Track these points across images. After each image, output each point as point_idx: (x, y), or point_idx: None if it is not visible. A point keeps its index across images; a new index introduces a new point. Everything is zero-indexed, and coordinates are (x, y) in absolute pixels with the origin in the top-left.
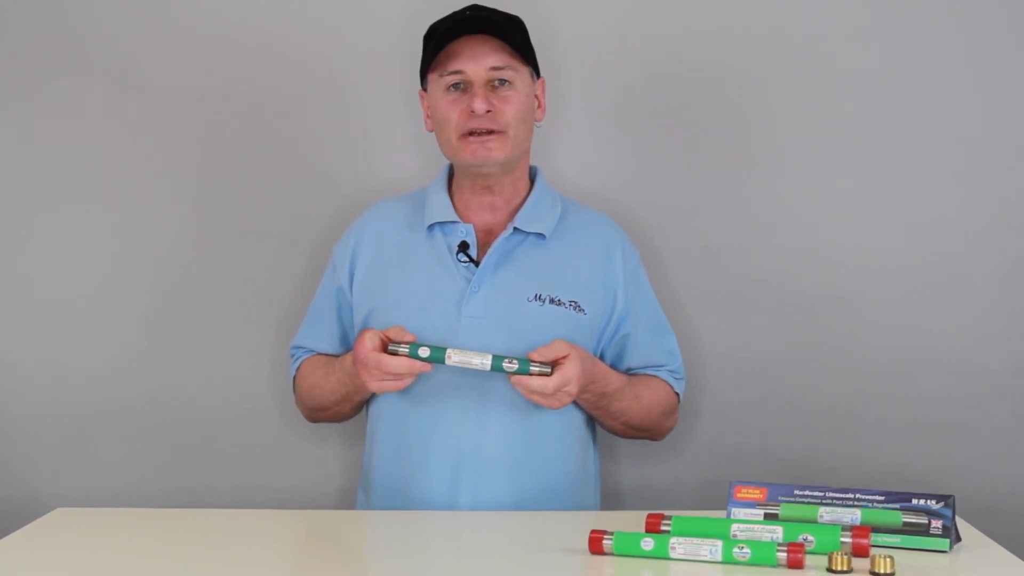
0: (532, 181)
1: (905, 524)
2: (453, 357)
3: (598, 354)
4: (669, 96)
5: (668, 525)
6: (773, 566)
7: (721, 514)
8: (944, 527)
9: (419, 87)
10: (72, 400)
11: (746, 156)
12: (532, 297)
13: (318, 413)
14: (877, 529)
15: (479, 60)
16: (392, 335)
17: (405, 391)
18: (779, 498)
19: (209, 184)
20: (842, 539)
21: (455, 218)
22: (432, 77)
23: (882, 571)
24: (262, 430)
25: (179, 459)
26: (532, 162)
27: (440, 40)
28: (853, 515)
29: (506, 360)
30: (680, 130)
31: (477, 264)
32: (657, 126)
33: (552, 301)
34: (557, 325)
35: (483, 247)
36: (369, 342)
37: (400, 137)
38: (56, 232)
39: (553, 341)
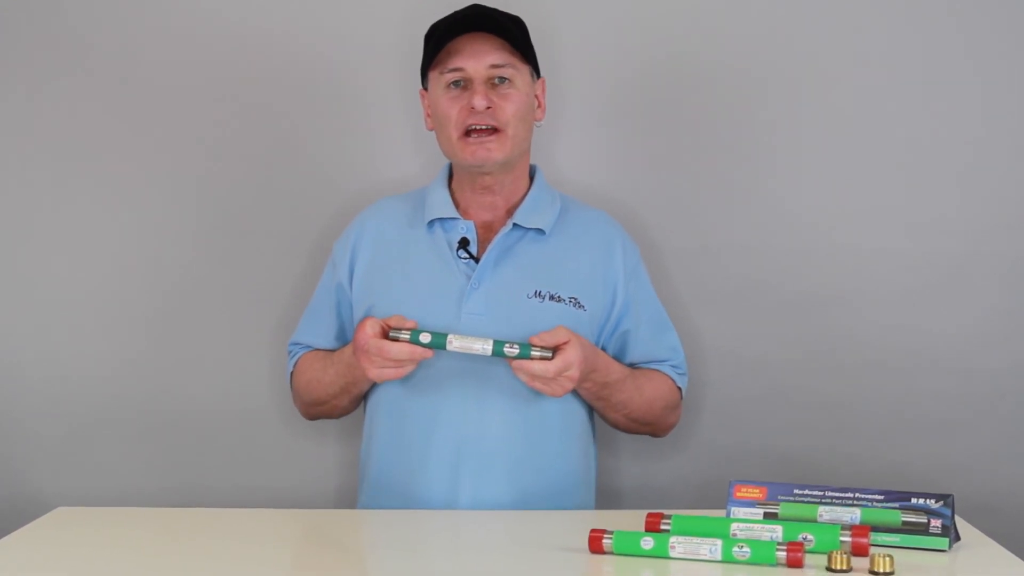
0: (532, 180)
1: (904, 523)
2: (454, 343)
3: None
4: (669, 96)
5: (668, 524)
6: (773, 565)
7: (721, 513)
8: (943, 526)
9: (419, 87)
10: (72, 399)
11: (746, 156)
12: (532, 294)
13: (316, 408)
14: (876, 528)
15: (479, 58)
16: (393, 323)
17: (404, 380)
18: (779, 497)
19: (209, 184)
20: (841, 538)
21: (455, 214)
22: (432, 75)
23: (881, 570)
24: (262, 429)
25: (179, 458)
26: (532, 161)
27: (441, 38)
28: (852, 514)
29: (507, 345)
30: (680, 130)
31: (477, 260)
32: (657, 126)
33: (552, 297)
34: (557, 321)
35: (483, 244)
36: (370, 329)
37: (400, 136)
38: (56, 232)
39: (555, 327)
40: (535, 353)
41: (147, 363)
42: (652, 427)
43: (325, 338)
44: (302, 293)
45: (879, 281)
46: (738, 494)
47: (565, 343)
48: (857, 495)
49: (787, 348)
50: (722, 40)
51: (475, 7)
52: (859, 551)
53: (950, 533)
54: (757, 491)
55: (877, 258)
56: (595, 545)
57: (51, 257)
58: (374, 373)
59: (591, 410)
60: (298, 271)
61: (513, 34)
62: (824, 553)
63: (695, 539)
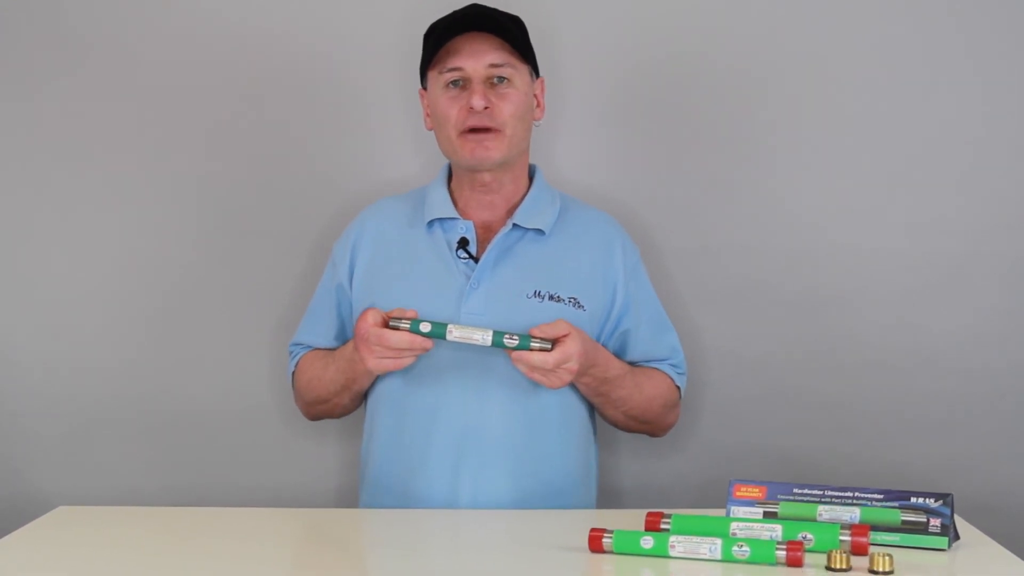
0: (531, 179)
1: (904, 522)
2: (454, 332)
3: None
4: (669, 96)
5: (668, 523)
6: (772, 564)
7: (721, 512)
8: (943, 525)
9: (419, 86)
10: (73, 399)
11: (746, 156)
12: (531, 293)
13: (317, 407)
14: (876, 527)
15: (478, 57)
16: (393, 314)
17: (405, 372)
18: (778, 496)
19: (209, 184)
20: (841, 537)
21: (455, 214)
22: (432, 74)
23: (881, 569)
24: (262, 429)
25: (180, 458)
26: (532, 161)
27: (440, 37)
28: (852, 513)
29: (507, 335)
30: (680, 130)
31: (477, 260)
32: (657, 126)
33: (551, 297)
34: None
35: (482, 244)
36: (371, 318)
37: (400, 136)
38: (56, 231)
39: (556, 320)
40: (534, 344)
41: (148, 362)
42: (651, 426)
43: (326, 338)
44: (302, 293)
45: (879, 281)
46: (738, 493)
47: (565, 335)
48: (857, 494)
49: (787, 348)
50: (722, 40)
51: (474, 7)
52: (858, 550)
53: (949, 532)
54: (757, 490)
55: (877, 258)
56: (595, 544)
57: (51, 257)
58: (373, 363)
59: (591, 408)
60: (298, 271)
61: (512, 34)
62: (824, 552)
63: (695, 538)
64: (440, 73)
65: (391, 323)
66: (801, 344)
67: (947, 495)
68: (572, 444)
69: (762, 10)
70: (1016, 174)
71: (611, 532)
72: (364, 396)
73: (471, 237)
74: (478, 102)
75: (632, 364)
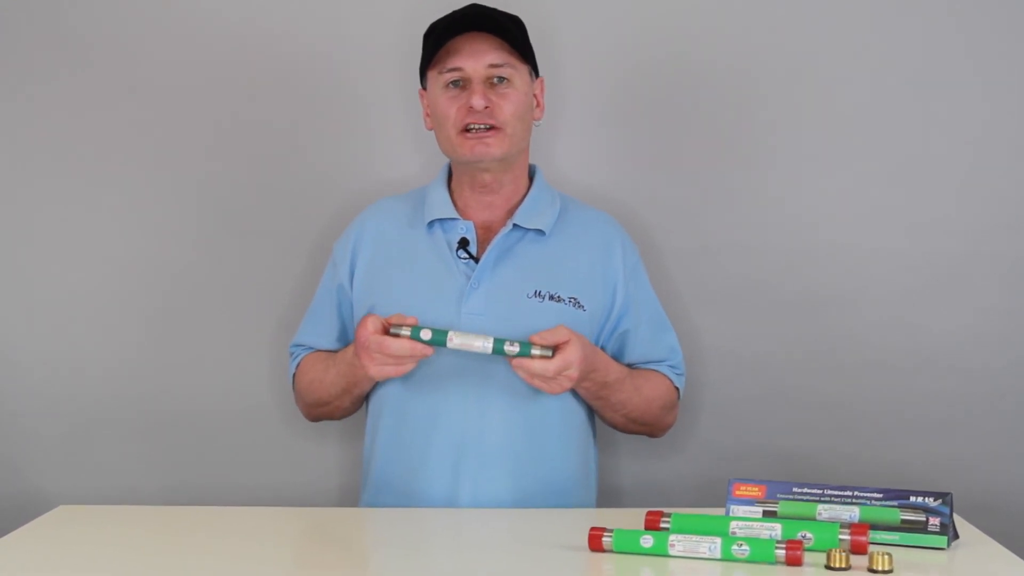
0: (531, 180)
1: (903, 521)
2: (455, 340)
3: None
4: (669, 96)
5: (667, 522)
6: (772, 563)
7: (720, 511)
8: (942, 524)
9: (419, 86)
10: (74, 398)
11: (746, 156)
12: (532, 293)
13: (318, 409)
14: (875, 526)
15: (478, 57)
16: (394, 321)
17: (405, 378)
18: (778, 495)
19: (209, 183)
20: (840, 536)
21: (455, 215)
22: (431, 74)
23: (880, 568)
24: (263, 428)
25: (180, 457)
26: (532, 161)
27: (439, 37)
28: (851, 512)
29: (507, 343)
30: (680, 130)
31: (477, 261)
32: (657, 126)
33: (552, 297)
34: (556, 321)
35: (483, 244)
36: (371, 325)
37: (400, 136)
38: (57, 231)
39: (556, 326)
40: (535, 352)
41: (148, 362)
42: (650, 427)
43: (327, 339)
44: (302, 293)
45: (879, 281)
46: (737, 492)
47: (565, 342)
48: (856, 493)
49: (787, 348)
50: (722, 40)
51: (474, 7)
52: (858, 549)
53: (948, 531)
54: (756, 489)
55: (877, 258)
56: (595, 543)
57: (52, 257)
58: (374, 371)
59: (591, 410)
60: (298, 271)
61: (512, 34)
62: (823, 551)
63: (694, 537)
64: (440, 73)
65: (392, 330)
66: (801, 344)
67: (946, 494)
68: (572, 447)
69: (762, 10)
70: (1016, 174)
71: (611, 531)
72: (366, 398)
73: (471, 237)
74: (478, 102)
75: (631, 365)
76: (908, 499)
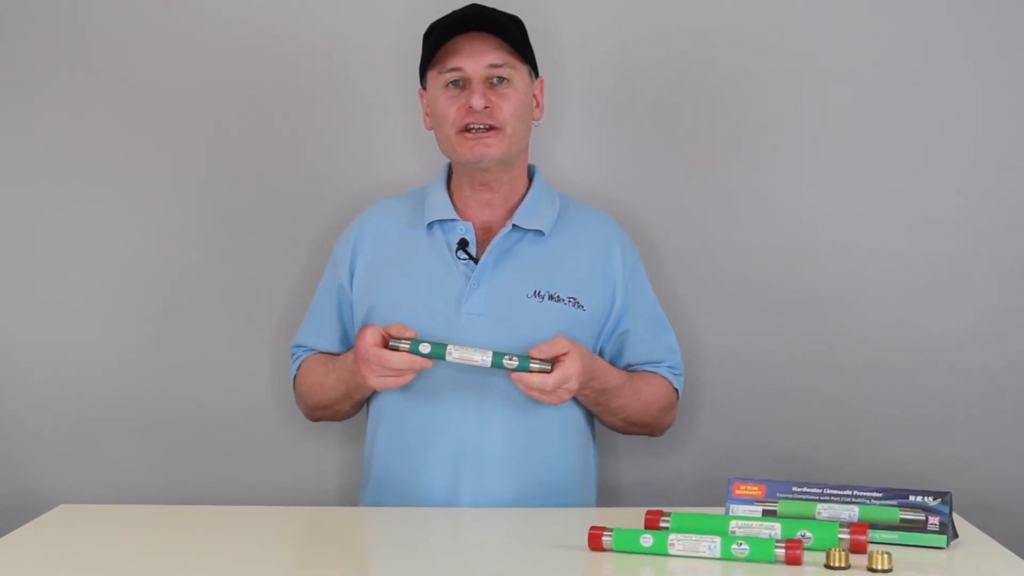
0: (531, 180)
1: (902, 520)
2: (454, 354)
3: (597, 350)
4: (669, 95)
5: (667, 522)
6: (771, 562)
7: (720, 511)
8: (941, 523)
9: (419, 86)
10: (75, 398)
11: (746, 155)
12: (531, 294)
13: (318, 411)
14: (875, 525)
15: (478, 57)
16: (393, 332)
17: (405, 388)
18: (777, 495)
19: (210, 183)
20: (840, 535)
21: (454, 216)
22: (431, 74)
23: (879, 567)
24: (263, 427)
25: (181, 456)
26: (531, 161)
27: (439, 37)
28: (851, 512)
29: (506, 357)
30: (680, 129)
31: (476, 261)
32: (656, 126)
33: (551, 298)
34: (556, 322)
35: (482, 244)
36: (370, 338)
37: (400, 137)
38: (57, 231)
39: (554, 337)
40: (534, 365)
41: (149, 362)
42: (649, 428)
43: (328, 340)
44: (303, 292)
45: (879, 281)
46: (737, 492)
47: (564, 354)
48: (855, 492)
49: (786, 347)
50: (722, 40)
51: (474, 7)
52: (857, 548)
53: (948, 530)
54: (756, 489)
55: (877, 258)
56: (595, 543)
57: (52, 256)
58: (374, 382)
59: (590, 412)
60: (298, 270)
61: (512, 34)
62: (823, 550)
63: (694, 536)
64: (440, 73)
65: (391, 343)
66: (801, 344)
67: (945, 493)
68: (571, 449)
69: (762, 10)
70: (1016, 174)
71: (611, 530)
72: (367, 401)
73: (471, 238)
74: (478, 102)
75: (629, 366)
76: (907, 498)
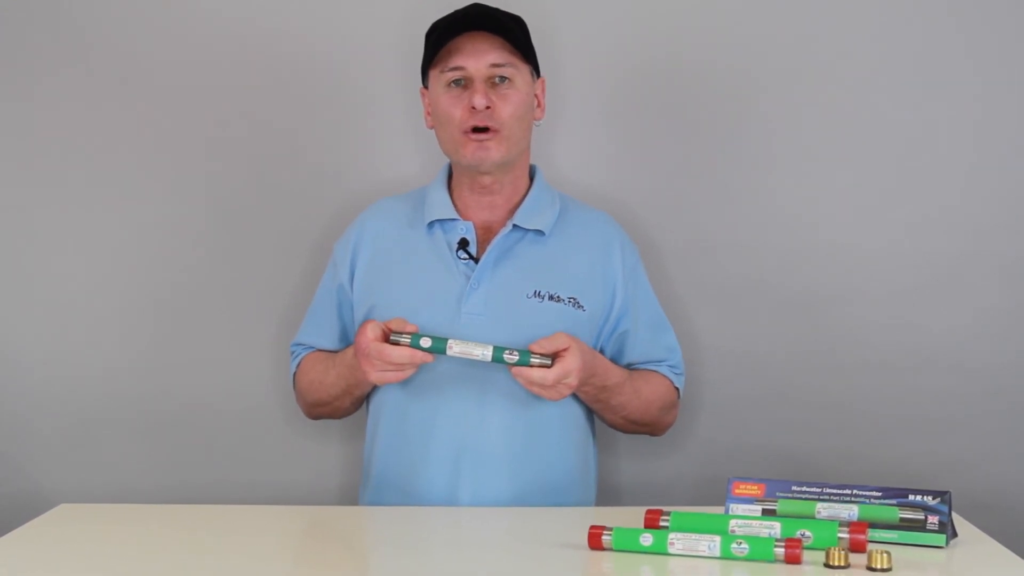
0: (531, 180)
1: (902, 520)
2: (454, 348)
3: (597, 350)
4: (669, 95)
5: (667, 521)
6: (771, 561)
7: (720, 510)
8: (940, 523)
9: (420, 86)
10: (75, 397)
11: (745, 155)
12: (531, 294)
13: (318, 409)
14: (874, 525)
15: (480, 57)
16: (394, 326)
17: (406, 383)
18: (777, 494)
19: (210, 182)
20: (839, 535)
21: (455, 215)
22: (433, 73)
23: (879, 566)
24: (264, 427)
25: (182, 455)
26: (532, 161)
27: (441, 36)
28: (850, 511)
29: (507, 351)
30: (679, 129)
31: (477, 261)
32: (656, 125)
33: (551, 298)
34: (556, 322)
35: (482, 244)
36: (371, 332)
37: (400, 136)
38: (59, 229)
39: (555, 333)
40: (534, 360)
41: (150, 361)
42: (649, 427)
43: (328, 339)
44: (303, 292)
45: (878, 280)
46: (737, 491)
47: (564, 350)
48: (855, 492)
49: (786, 347)
50: (722, 40)
51: (476, 6)
52: (857, 547)
53: (947, 529)
54: (755, 488)
55: (876, 257)
56: (594, 542)
57: (53, 255)
58: (375, 376)
59: (590, 410)
60: (299, 270)
61: (514, 33)
62: (822, 549)
63: (694, 536)
64: (442, 72)
65: (391, 338)
66: (800, 343)
67: (945, 492)
68: (571, 447)
69: (762, 10)
70: (1016, 174)
71: (610, 529)
72: (366, 399)
73: (471, 238)
74: (480, 101)
75: (630, 365)
76: (907, 497)
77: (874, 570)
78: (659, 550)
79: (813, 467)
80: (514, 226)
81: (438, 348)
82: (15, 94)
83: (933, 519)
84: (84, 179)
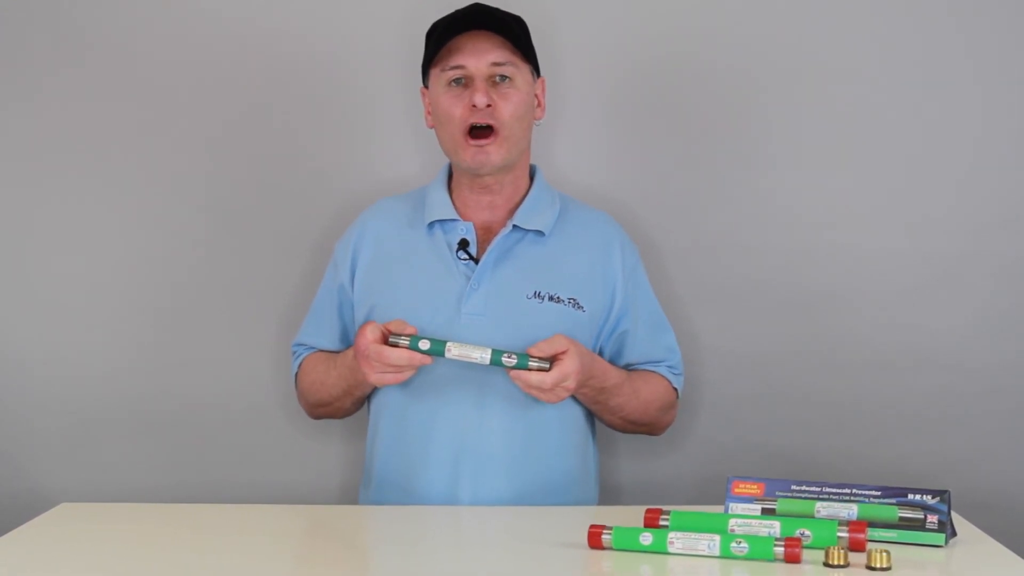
0: (531, 180)
1: (901, 519)
2: (453, 350)
3: (597, 350)
4: (669, 95)
5: (666, 520)
6: (770, 560)
7: (719, 509)
8: (940, 522)
9: (420, 86)
10: (76, 396)
11: (745, 155)
12: (531, 294)
13: (320, 409)
14: (873, 524)
15: (480, 55)
16: (393, 328)
17: (405, 385)
18: (776, 493)
19: (211, 182)
20: (839, 534)
21: (455, 216)
22: (434, 72)
23: (878, 565)
24: (265, 426)
25: (183, 455)
26: (532, 161)
27: (442, 35)
28: (850, 510)
29: (505, 354)
30: (679, 129)
31: (477, 261)
32: (656, 125)
33: (551, 298)
34: (556, 322)
35: (483, 245)
36: (370, 334)
37: (400, 136)
38: (60, 229)
39: (553, 336)
40: (532, 363)
41: (150, 360)
42: (648, 427)
43: (328, 339)
44: (304, 291)
45: (878, 280)
46: (736, 490)
47: (563, 352)
48: (854, 491)
49: (785, 345)
50: (722, 40)
51: (477, 5)
52: (856, 547)
53: (946, 529)
54: (755, 487)
55: (876, 258)
56: (594, 541)
57: (54, 255)
58: (374, 378)
59: (590, 411)
60: (300, 270)
61: (514, 33)
62: (821, 548)
63: (693, 535)
64: (442, 71)
65: (391, 340)
66: (800, 343)
67: (944, 492)
68: (570, 448)
69: (762, 10)
70: (1015, 174)
71: (610, 528)
72: (367, 398)
73: (471, 238)
74: (480, 99)
75: (629, 365)
76: (906, 497)
77: (873, 569)
78: (659, 549)
79: (812, 466)
80: (514, 226)
81: (437, 351)
82: (15, 94)
83: (932, 518)
84: (84, 180)
